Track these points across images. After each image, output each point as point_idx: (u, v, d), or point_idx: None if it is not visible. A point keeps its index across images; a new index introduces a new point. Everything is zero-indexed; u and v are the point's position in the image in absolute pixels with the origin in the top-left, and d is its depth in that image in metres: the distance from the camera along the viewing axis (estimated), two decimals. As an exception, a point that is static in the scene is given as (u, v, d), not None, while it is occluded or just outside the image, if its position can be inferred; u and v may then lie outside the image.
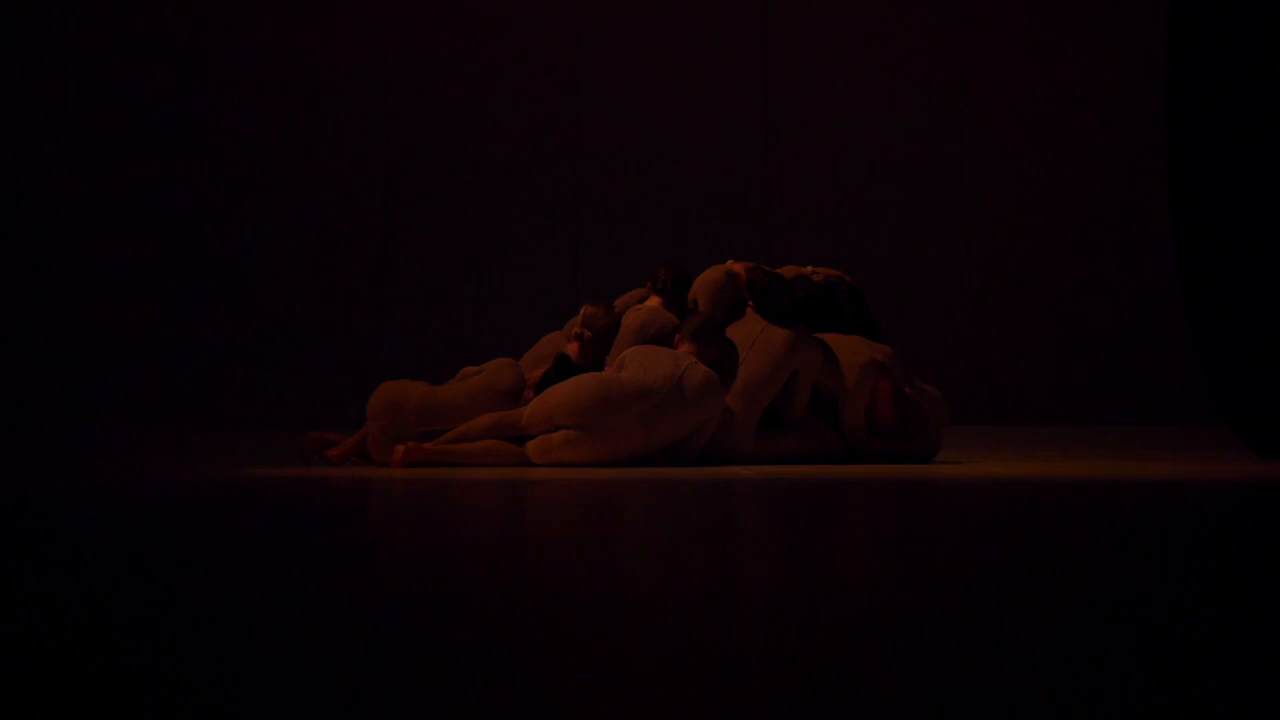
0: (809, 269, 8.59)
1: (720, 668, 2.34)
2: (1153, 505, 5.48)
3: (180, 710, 2.07)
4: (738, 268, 8.32)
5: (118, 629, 2.69)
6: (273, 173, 13.70)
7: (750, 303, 8.22)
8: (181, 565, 3.64)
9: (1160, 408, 13.44)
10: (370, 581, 3.37)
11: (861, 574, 3.60)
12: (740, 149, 13.95)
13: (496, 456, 7.66)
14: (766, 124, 14.00)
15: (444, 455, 7.62)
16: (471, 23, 13.94)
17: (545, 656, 2.45)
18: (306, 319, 13.58)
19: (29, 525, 4.85)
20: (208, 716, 2.05)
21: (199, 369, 13.47)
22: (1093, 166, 13.88)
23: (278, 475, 7.10)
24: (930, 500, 5.78)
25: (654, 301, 8.26)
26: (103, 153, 13.61)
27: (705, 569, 3.64)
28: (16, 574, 3.53)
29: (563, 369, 7.91)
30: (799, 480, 6.70)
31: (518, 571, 3.59)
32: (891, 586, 3.32)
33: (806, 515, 5.21)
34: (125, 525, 4.73)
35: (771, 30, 13.99)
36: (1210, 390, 7.54)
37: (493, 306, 13.48)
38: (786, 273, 8.45)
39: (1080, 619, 2.81)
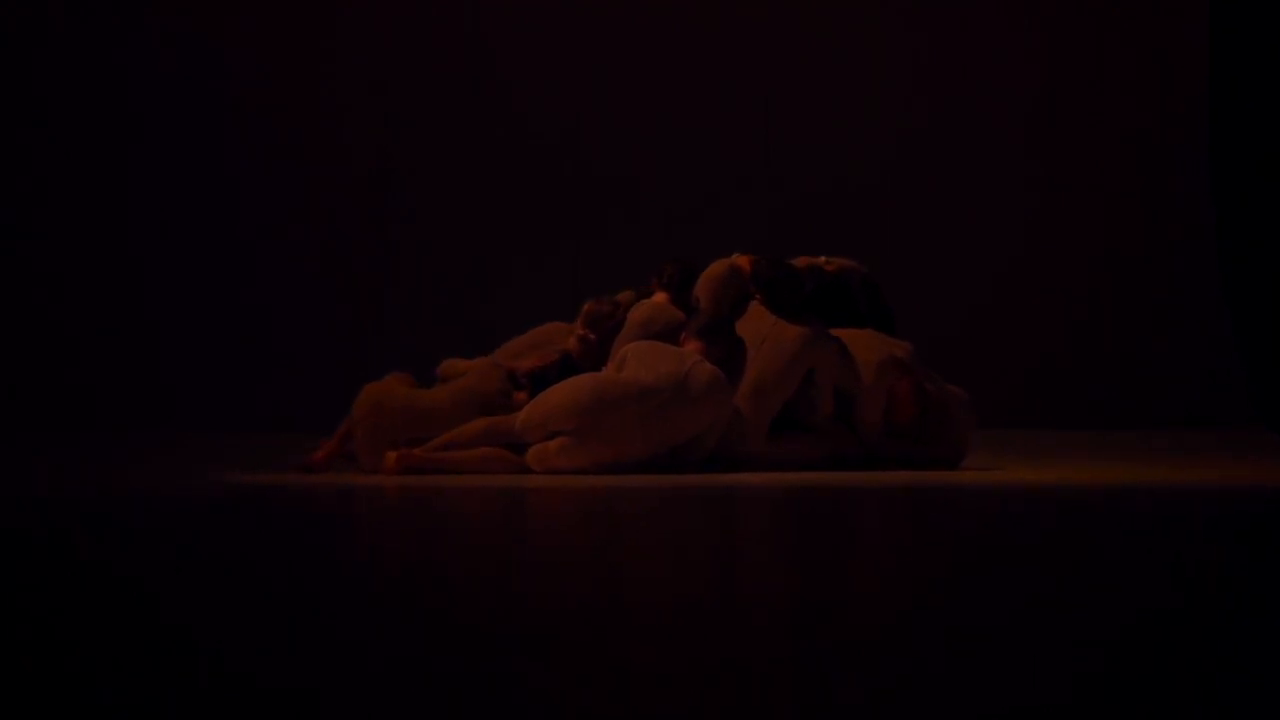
0: (821, 259, 8.29)
1: (724, 681, 2.29)
2: (1189, 512, 5.35)
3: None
4: (742, 260, 8.01)
5: (95, 643, 2.65)
6: (261, 166, 13.56)
7: (758, 295, 7.86)
8: (167, 576, 3.59)
9: (1194, 409, 13.27)
10: (359, 593, 3.33)
11: (875, 586, 3.52)
12: (746, 139, 13.81)
13: (494, 463, 7.39)
14: (770, 113, 13.86)
15: (438, 462, 7.35)
16: (468, 15, 13.83)
17: (542, 669, 2.40)
18: (297, 317, 13.46)
19: (8, 533, 4.79)
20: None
21: (187, 368, 13.35)
22: (1124, 151, 13.74)
23: (267, 481, 6.99)
24: (951, 508, 5.66)
25: (660, 297, 7.99)
26: (83, 149, 13.48)
27: (709, 579, 3.58)
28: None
29: (566, 370, 7.60)
30: (812, 486, 6.55)
31: (513, 581, 3.52)
32: (907, 599, 3.23)
33: (818, 523, 5.11)
34: (110, 535, 4.67)
35: (777, 12, 13.87)
36: (1253, 391, 7.32)
37: (490, 303, 13.33)
38: (798, 264, 8.13)
39: (1108, 635, 2.74)
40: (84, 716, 2.13)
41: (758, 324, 7.74)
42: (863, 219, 13.68)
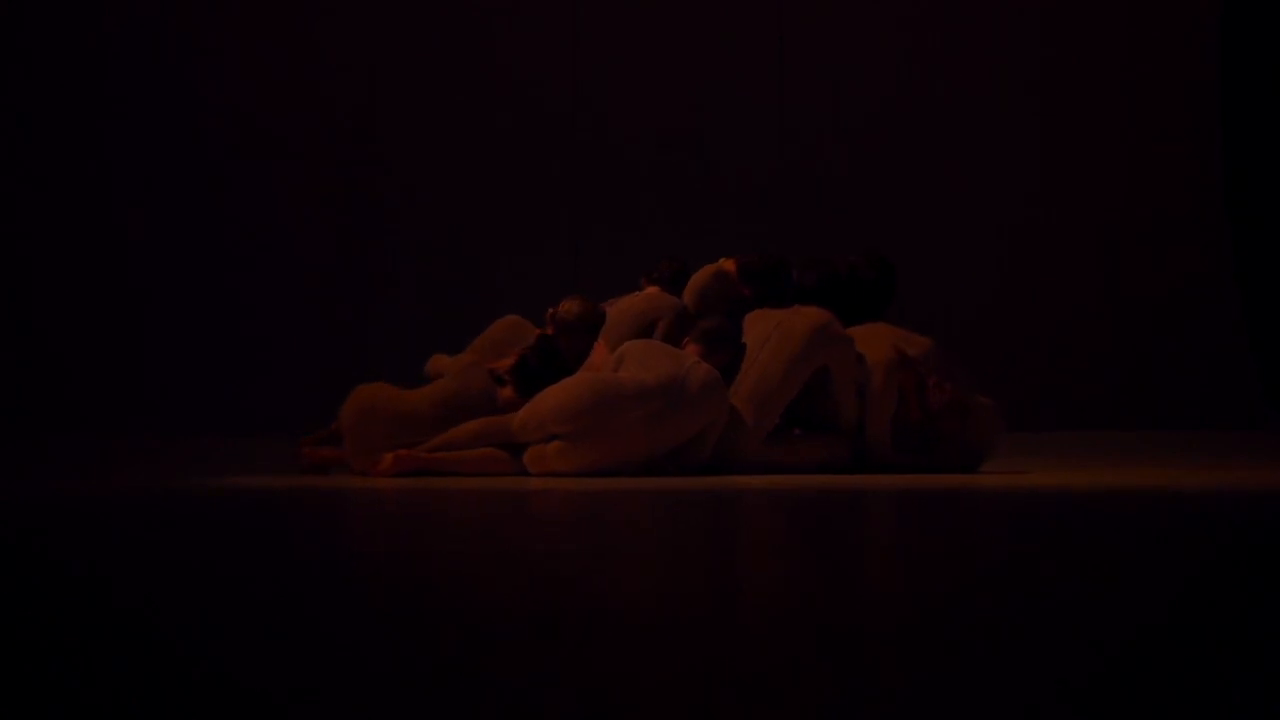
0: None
1: (723, 691, 2.25)
2: (1209, 517, 5.15)
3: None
4: (728, 265, 7.77)
5: (77, 647, 2.62)
6: (247, 162, 13.49)
7: (748, 292, 7.60)
8: (158, 579, 3.54)
9: (1211, 411, 13.12)
10: (349, 595, 3.31)
11: (879, 593, 3.38)
12: (754, 135, 13.69)
13: (492, 465, 7.30)
14: (780, 104, 13.73)
15: (436, 463, 7.30)
16: (463, 6, 13.75)
17: (535, 678, 2.34)
18: (289, 319, 13.39)
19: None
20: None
21: (176, 370, 13.29)
22: (1140, 148, 13.65)
23: (259, 485, 6.91)
24: (957, 511, 5.47)
25: (652, 291, 7.92)
26: (67, 148, 13.44)
27: (710, 585, 3.51)
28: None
29: (545, 354, 7.43)
30: (815, 488, 6.39)
31: (506, 587, 3.43)
32: (912, 607, 3.09)
33: (821, 526, 4.95)
34: (96, 537, 4.60)
35: (787, 2, 13.79)
36: (1265, 392, 7.08)
37: (485, 302, 13.17)
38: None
39: (1114, 639, 2.66)
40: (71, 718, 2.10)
41: (762, 327, 7.44)
42: (867, 224, 13.53)
